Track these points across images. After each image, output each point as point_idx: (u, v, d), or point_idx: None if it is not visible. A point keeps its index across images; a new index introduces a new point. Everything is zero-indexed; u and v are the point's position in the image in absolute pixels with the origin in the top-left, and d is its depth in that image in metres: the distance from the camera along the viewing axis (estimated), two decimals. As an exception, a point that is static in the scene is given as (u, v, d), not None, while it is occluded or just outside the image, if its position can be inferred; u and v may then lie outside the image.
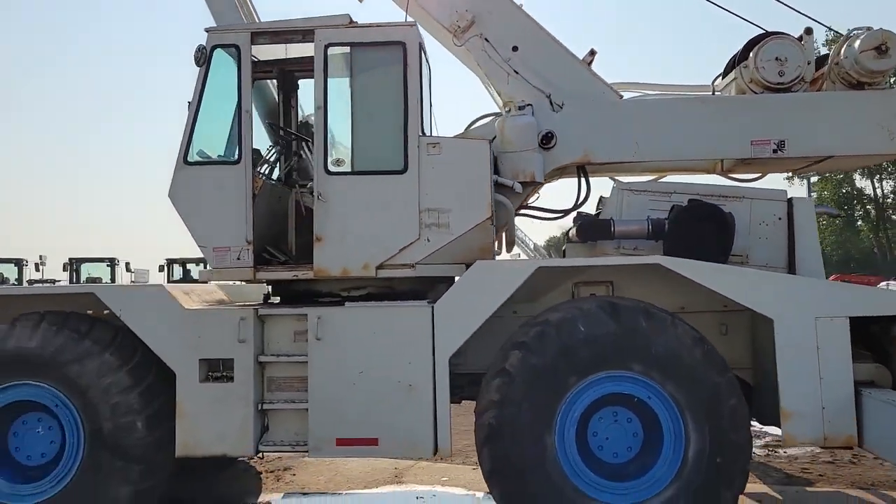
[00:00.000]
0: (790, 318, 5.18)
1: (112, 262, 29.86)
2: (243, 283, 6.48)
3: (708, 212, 5.77)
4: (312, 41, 5.69)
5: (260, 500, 7.04)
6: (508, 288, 5.34)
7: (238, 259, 5.65)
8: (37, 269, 30.91)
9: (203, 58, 5.68)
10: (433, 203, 5.56)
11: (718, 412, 5.10)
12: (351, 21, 5.73)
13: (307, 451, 5.46)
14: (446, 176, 5.58)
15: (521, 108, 6.00)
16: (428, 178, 5.56)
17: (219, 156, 5.96)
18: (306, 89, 6.72)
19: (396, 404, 5.37)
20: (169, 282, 35.77)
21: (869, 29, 6.32)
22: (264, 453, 5.66)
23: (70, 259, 29.47)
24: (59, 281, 27.90)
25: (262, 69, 6.57)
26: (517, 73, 6.51)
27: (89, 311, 5.84)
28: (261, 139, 6.68)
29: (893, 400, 4.97)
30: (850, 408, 5.15)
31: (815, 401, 5.15)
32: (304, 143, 6.50)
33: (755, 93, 6.44)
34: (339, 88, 5.95)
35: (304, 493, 7.25)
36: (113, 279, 29.50)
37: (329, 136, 5.66)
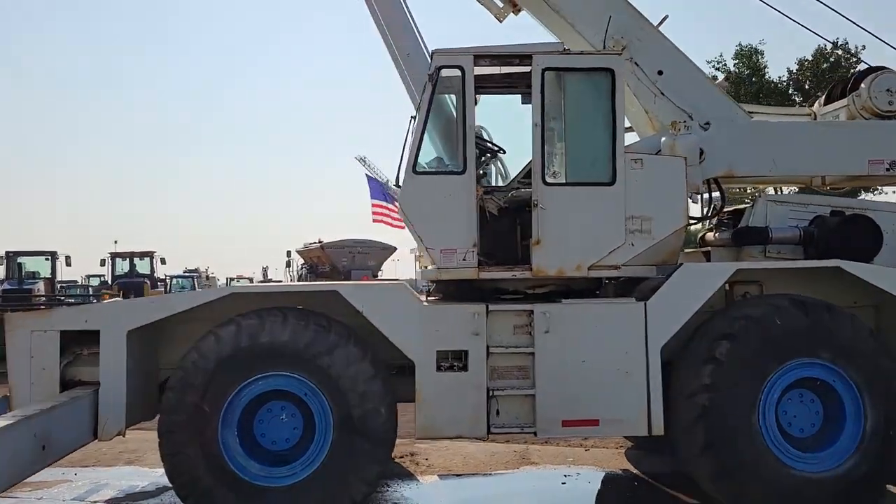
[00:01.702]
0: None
1: (52, 256, 29.17)
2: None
3: (862, 222, 6.73)
4: (529, 65, 6.33)
5: (421, 480, 7.64)
6: (712, 287, 6.17)
7: (464, 260, 6.24)
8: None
9: (432, 76, 6.22)
10: (637, 211, 6.30)
11: (890, 392, 6.07)
12: (565, 49, 6.40)
13: (535, 433, 6.11)
14: (647, 187, 6.33)
15: (704, 126, 6.81)
16: (632, 189, 6.30)
17: (446, 166, 6.52)
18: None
19: (615, 389, 6.10)
20: (112, 276, 35.18)
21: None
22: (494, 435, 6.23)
23: (7, 252, 28.70)
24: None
25: (445, 84, 7.14)
26: (663, 94, 7.33)
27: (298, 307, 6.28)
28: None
29: None
30: None
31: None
32: (490, 155, 7.11)
33: (865, 118, 7.46)
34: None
35: (458, 475, 7.87)
36: (53, 273, 28.95)
37: (545, 150, 6.29)
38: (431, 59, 6.37)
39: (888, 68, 7.60)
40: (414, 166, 6.27)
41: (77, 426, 5.72)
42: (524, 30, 9.87)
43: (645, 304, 6.16)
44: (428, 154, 6.98)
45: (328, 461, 5.90)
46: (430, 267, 6.37)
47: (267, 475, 5.90)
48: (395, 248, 31.41)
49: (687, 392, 6.08)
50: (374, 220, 44.25)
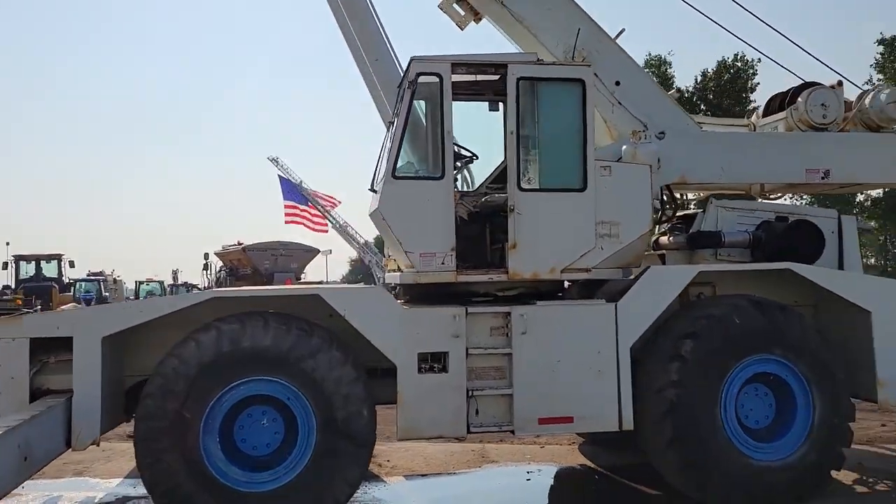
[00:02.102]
0: (884, 309, 6.74)
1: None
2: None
3: (807, 227, 7.22)
4: (504, 74, 6.52)
5: (388, 481, 7.72)
6: (677, 288, 6.52)
7: (442, 263, 6.37)
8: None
9: (411, 83, 6.33)
10: (606, 216, 6.58)
11: (833, 384, 6.56)
12: (539, 59, 6.63)
13: (512, 431, 6.31)
14: (616, 194, 6.62)
15: (659, 135, 7.16)
16: (602, 195, 6.57)
17: (423, 172, 6.62)
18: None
19: (588, 387, 6.36)
20: (17, 280, 33.54)
21: (890, 85, 8.11)
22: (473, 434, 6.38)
23: None
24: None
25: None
26: (621, 103, 7.67)
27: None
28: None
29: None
30: None
31: (901, 372, 6.75)
32: (463, 161, 7.27)
33: (802, 130, 8.01)
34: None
35: (423, 475, 7.98)
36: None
37: (523, 156, 6.49)
38: (409, 66, 6.47)
39: (821, 84, 8.17)
40: (394, 171, 6.36)
41: (52, 436, 5.55)
42: (474, 39, 10.05)
43: (616, 305, 6.44)
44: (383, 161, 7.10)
45: (311, 464, 5.92)
46: (406, 270, 6.46)
47: (249, 480, 5.87)
48: (318, 251, 31.17)
49: (654, 388, 6.39)
50: (287, 222, 43.77)
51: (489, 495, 7.45)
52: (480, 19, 8.25)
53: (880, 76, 37.61)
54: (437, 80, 6.41)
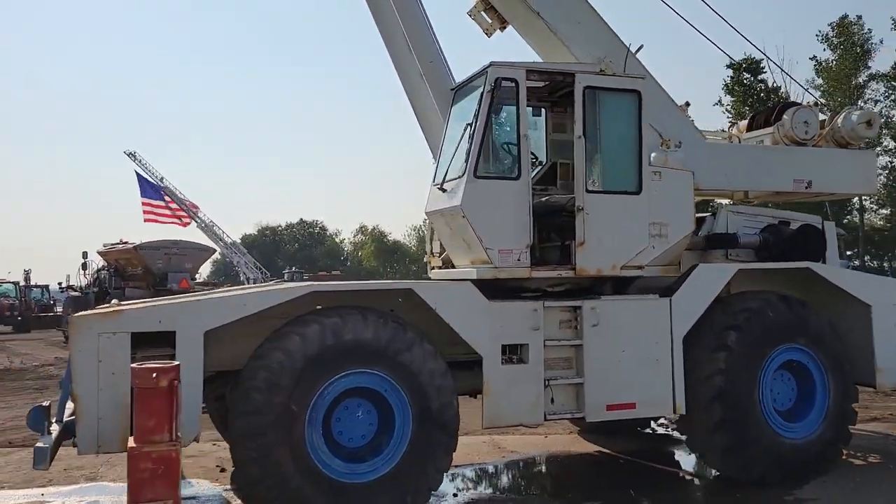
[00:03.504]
0: (882, 304, 7.72)
1: None
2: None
3: (811, 230, 8.10)
4: (572, 82, 6.94)
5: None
6: (721, 283, 7.18)
7: (518, 260, 6.70)
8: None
9: (495, 86, 6.62)
10: (657, 218, 7.14)
11: (845, 370, 7.46)
12: (602, 70, 7.09)
13: (583, 417, 6.72)
14: (665, 197, 7.19)
15: (677, 145, 7.77)
16: (653, 198, 7.13)
17: (501, 172, 6.90)
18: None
19: (647, 375, 6.89)
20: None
21: (861, 107, 9.22)
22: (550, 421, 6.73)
23: None
24: None
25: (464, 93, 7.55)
26: (640, 114, 8.28)
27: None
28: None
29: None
30: None
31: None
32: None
33: (786, 144, 8.95)
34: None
35: (457, 466, 8.21)
36: None
37: (587, 160, 6.92)
38: (487, 71, 6.74)
39: (801, 104, 9.15)
40: (475, 171, 6.61)
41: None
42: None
43: (670, 299, 7.01)
44: (445, 161, 7.35)
45: (408, 454, 6.07)
46: (482, 266, 6.72)
47: (351, 472, 5.95)
48: (214, 250, 30.11)
49: (703, 376, 7.01)
50: (146, 220, 41.82)
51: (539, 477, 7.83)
52: (505, 28, 8.62)
53: (729, 96, 40.86)
54: (512, 84, 6.72)
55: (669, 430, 9.71)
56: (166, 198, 42.19)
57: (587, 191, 6.89)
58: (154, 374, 3.90)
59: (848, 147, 9.11)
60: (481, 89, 6.76)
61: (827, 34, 41.52)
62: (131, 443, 3.91)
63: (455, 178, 6.84)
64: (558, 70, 7.08)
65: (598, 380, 6.72)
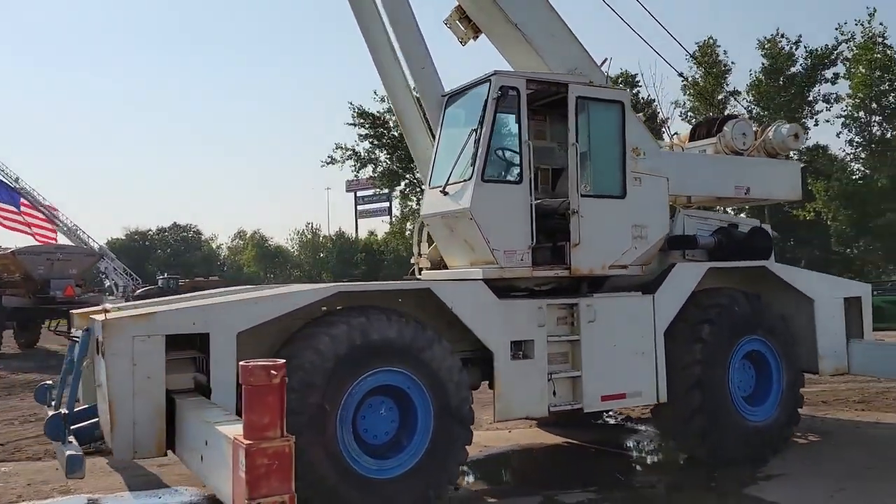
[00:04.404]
0: (824, 298, 8.61)
1: None
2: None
3: (761, 232, 8.90)
4: (566, 92, 7.36)
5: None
6: (695, 281, 7.81)
7: (521, 260, 7.03)
8: None
9: (501, 94, 6.93)
10: (638, 220, 7.67)
11: (796, 356, 8.29)
12: (591, 81, 7.55)
13: (581, 408, 7.14)
14: (644, 201, 7.73)
15: (643, 154, 8.33)
16: (635, 201, 7.66)
17: (506, 176, 7.19)
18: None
19: (634, 367, 7.40)
20: None
21: (790, 121, 10.18)
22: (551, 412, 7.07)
23: None
24: None
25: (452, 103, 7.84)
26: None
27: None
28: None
29: (866, 342, 8.73)
30: (844, 349, 8.77)
31: (834, 346, 8.65)
32: None
33: (727, 154, 9.78)
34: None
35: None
36: None
37: (581, 164, 7.34)
38: (491, 79, 7.05)
39: (741, 116, 10.01)
40: (483, 175, 6.89)
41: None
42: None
43: (653, 296, 7.55)
44: (442, 165, 7.61)
45: (430, 449, 6.26)
46: (487, 266, 7.00)
47: (378, 468, 6.08)
48: (100, 255, 28.61)
49: (682, 366, 7.59)
50: (5, 227, 39.09)
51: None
52: (478, 37, 8.95)
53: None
54: (516, 93, 7.07)
55: (618, 419, 10.33)
56: (22, 202, 39.60)
57: (581, 195, 7.30)
58: (271, 371, 3.92)
59: (777, 157, 10.04)
60: (485, 96, 7.04)
61: (694, 52, 44.45)
62: (243, 440, 3.91)
63: (459, 182, 7.08)
64: (553, 80, 7.47)
65: (593, 373, 7.15)
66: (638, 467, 8.32)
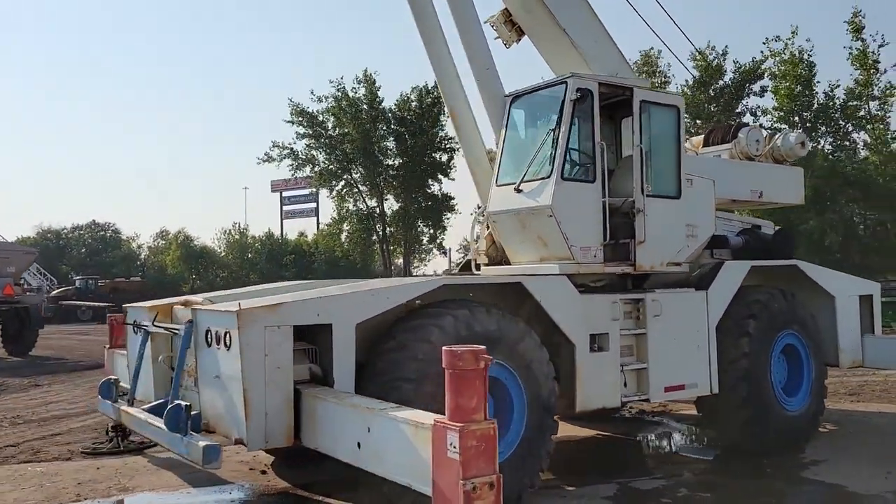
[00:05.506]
0: (844, 296, 9.22)
1: None
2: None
3: (785, 233, 9.45)
4: (630, 96, 7.67)
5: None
6: (741, 278, 8.24)
7: (595, 256, 7.30)
8: None
9: (581, 96, 7.18)
10: (691, 220, 8.06)
11: (823, 350, 8.86)
12: (652, 85, 7.87)
13: (648, 399, 7.45)
14: (695, 202, 8.12)
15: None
16: (688, 202, 8.04)
17: (581, 175, 7.41)
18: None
19: (693, 360, 7.77)
20: None
21: (795, 129, 10.83)
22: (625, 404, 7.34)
23: None
24: None
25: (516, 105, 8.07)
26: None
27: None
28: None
29: (878, 336, 9.40)
30: (859, 343, 9.41)
31: (852, 340, 9.27)
32: None
33: (741, 159, 10.32)
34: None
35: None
36: None
37: (644, 165, 7.66)
38: (567, 81, 7.29)
39: (752, 124, 10.58)
40: (562, 174, 7.12)
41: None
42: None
43: (706, 292, 7.94)
44: (509, 164, 7.82)
45: (525, 439, 6.44)
46: (563, 262, 7.23)
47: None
48: (36, 253, 27.36)
49: (729, 359, 8.00)
50: None
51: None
52: (521, 40, 9.19)
53: None
54: (590, 95, 7.34)
55: (633, 413, 10.72)
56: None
57: (646, 195, 7.62)
58: (480, 356, 4.03)
59: (783, 163, 10.64)
60: (561, 98, 7.28)
61: (637, 61, 46.04)
62: (451, 423, 3.99)
63: (535, 180, 7.28)
64: (621, 84, 7.77)
65: (658, 364, 7.47)
66: (673, 457, 8.68)
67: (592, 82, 7.42)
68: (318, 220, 66.35)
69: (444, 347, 4.08)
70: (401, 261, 52.58)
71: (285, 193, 68.76)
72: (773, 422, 8.14)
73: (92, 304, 46.63)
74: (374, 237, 51.28)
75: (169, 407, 5.53)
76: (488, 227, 8.38)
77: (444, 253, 50.48)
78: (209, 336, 5.72)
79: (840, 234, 33.66)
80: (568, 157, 7.32)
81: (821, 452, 8.18)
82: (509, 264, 8.04)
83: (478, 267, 8.49)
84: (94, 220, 75.86)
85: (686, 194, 8.01)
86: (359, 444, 4.82)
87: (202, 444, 5.18)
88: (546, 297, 6.78)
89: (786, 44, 39.22)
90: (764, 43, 41.14)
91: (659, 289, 7.81)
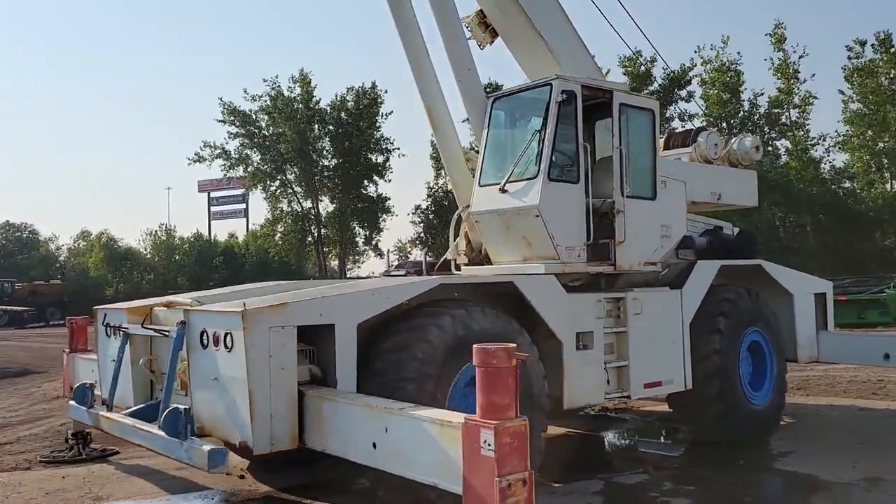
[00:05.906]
0: (801, 293, 9.60)
1: None
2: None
3: (748, 235, 9.77)
4: (610, 99, 7.81)
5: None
6: (711, 277, 8.49)
7: (578, 256, 7.40)
8: None
9: (566, 97, 7.27)
10: (665, 221, 8.27)
11: (784, 347, 9.20)
12: (630, 90, 8.04)
13: (628, 396, 7.60)
14: (668, 203, 8.33)
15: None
16: (662, 204, 8.24)
17: (565, 176, 7.47)
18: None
19: (669, 357, 7.97)
20: None
21: (751, 133, 11.23)
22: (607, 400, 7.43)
23: None
24: None
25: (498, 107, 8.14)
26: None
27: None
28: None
29: (832, 333, 9.83)
30: (815, 339, 9.82)
31: (810, 336, 9.66)
32: None
33: (700, 163, 10.64)
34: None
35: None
36: None
37: (623, 167, 7.80)
38: (552, 83, 7.38)
39: (711, 128, 10.92)
40: (549, 174, 7.20)
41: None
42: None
43: (681, 291, 8.15)
44: (492, 164, 7.87)
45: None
46: (548, 261, 7.31)
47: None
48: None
49: (702, 356, 8.23)
50: None
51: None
52: (494, 42, 9.25)
53: None
54: (573, 97, 7.44)
55: (597, 411, 10.90)
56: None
57: (625, 196, 7.77)
58: (512, 353, 4.03)
59: (738, 167, 11.01)
60: (546, 99, 7.36)
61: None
62: (484, 420, 3.98)
63: (521, 181, 7.34)
64: (601, 87, 7.90)
65: (638, 362, 7.63)
66: (645, 453, 8.86)
67: (576, 84, 7.53)
68: (247, 221, 65.17)
69: (475, 346, 4.06)
70: (336, 263, 52.05)
71: (213, 194, 67.12)
72: (743, 416, 8.41)
73: (8, 307, 44.77)
74: (309, 238, 50.67)
75: (167, 411, 5.36)
76: (467, 227, 8.41)
77: (381, 255, 50.32)
78: (205, 337, 5.57)
79: (764, 237, 35.04)
80: (554, 157, 7.40)
81: (786, 445, 8.48)
82: (489, 264, 8.08)
83: (458, 267, 8.49)
84: (7, 221, 72.53)
85: (661, 196, 8.20)
86: (374, 445, 4.76)
87: (206, 447, 5.03)
88: (536, 296, 6.84)
89: (717, 52, 40.72)
90: (696, 52, 42.59)
91: (635, 288, 7.97)
